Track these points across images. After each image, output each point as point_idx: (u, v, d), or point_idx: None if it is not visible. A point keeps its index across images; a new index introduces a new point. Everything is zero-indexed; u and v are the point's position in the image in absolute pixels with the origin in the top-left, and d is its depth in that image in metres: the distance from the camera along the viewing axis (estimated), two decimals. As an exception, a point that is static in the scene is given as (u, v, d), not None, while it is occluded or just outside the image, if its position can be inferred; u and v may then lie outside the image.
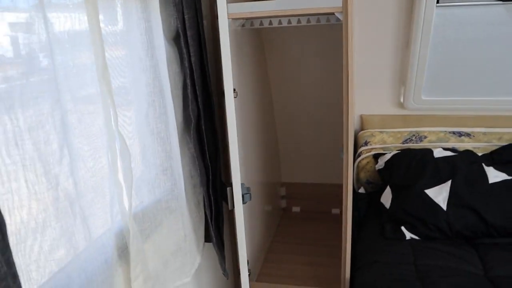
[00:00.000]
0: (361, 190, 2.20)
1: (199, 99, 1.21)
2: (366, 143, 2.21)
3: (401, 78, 2.13)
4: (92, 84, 0.82)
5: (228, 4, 1.39)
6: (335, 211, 2.97)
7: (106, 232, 0.90)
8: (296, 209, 3.00)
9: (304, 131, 2.85)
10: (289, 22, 1.81)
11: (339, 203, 2.97)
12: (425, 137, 2.17)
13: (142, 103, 1.02)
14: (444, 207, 1.76)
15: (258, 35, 2.44)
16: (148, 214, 1.06)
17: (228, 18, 1.47)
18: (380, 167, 2.07)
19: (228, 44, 1.15)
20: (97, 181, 0.86)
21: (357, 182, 2.23)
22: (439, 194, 1.79)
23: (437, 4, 1.80)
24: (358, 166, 2.18)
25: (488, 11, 1.82)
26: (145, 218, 1.05)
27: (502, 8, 1.80)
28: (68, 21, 0.76)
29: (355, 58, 2.10)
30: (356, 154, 2.22)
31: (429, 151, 1.97)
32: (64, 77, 0.75)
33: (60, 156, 0.73)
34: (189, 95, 1.17)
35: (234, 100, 1.51)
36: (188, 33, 1.16)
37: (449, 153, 1.95)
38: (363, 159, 2.16)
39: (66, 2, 0.75)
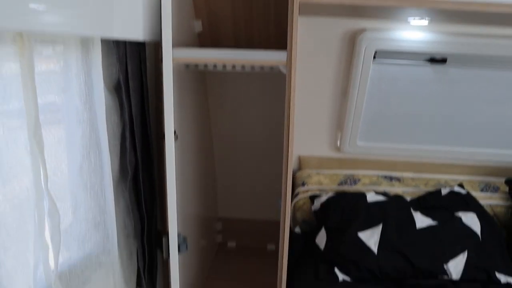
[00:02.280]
0: (297, 230, 2.20)
1: (138, 150, 1.16)
2: (303, 184, 2.23)
3: (339, 123, 2.19)
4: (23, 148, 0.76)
5: (174, 48, 1.37)
6: (270, 246, 2.96)
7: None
8: (231, 244, 2.96)
9: (243, 167, 2.84)
10: (234, 67, 1.81)
11: (274, 239, 2.96)
12: (359, 180, 2.23)
13: (77, 157, 0.96)
14: (375, 250, 1.80)
15: (201, 75, 2.42)
16: (76, 270, 0.98)
17: (173, 62, 1.45)
18: (316, 209, 2.09)
19: (171, 90, 1.12)
20: (21, 248, 0.78)
21: (293, 221, 2.24)
22: (371, 238, 1.83)
23: (373, 60, 1.88)
24: (295, 206, 2.19)
25: (418, 70, 1.92)
26: (72, 276, 0.97)
27: (429, 68, 1.92)
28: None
29: (296, 101, 2.14)
30: (293, 194, 2.23)
31: (363, 196, 2.02)
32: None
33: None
34: (127, 147, 1.12)
35: (175, 143, 1.48)
36: (130, 84, 1.12)
37: (381, 198, 2.01)
38: (299, 199, 2.18)
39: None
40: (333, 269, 1.83)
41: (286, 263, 1.72)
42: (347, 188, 2.19)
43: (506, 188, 2.21)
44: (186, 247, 1.27)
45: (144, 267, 1.25)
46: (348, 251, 1.83)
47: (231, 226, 2.93)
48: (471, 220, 1.93)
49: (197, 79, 2.29)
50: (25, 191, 0.78)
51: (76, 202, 0.96)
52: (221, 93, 2.62)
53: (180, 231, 1.29)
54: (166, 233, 1.23)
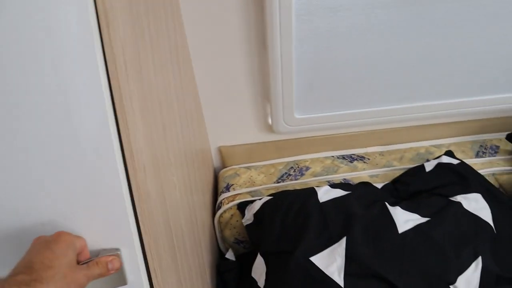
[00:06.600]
0: (229, 255, 1.48)
1: None
2: (227, 188, 1.51)
3: (264, 92, 1.46)
4: None
5: None
6: None
7: None
8: None
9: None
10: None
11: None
12: (307, 168, 1.53)
13: None
14: (341, 281, 1.10)
15: None
16: None
17: None
18: (248, 222, 1.38)
19: None
20: None
21: (223, 242, 1.52)
22: (331, 262, 1.13)
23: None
24: (219, 221, 1.47)
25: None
26: None
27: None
28: None
29: (193, 72, 1.40)
30: (216, 205, 1.52)
31: (312, 192, 1.31)
32: None
33: None
34: None
35: None
36: None
37: (339, 192, 1.31)
38: (224, 211, 1.46)
39: None
40: (281, 321, 1.13)
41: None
42: (291, 184, 1.48)
43: (510, 146, 1.58)
44: None
45: None
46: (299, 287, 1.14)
47: None
48: (475, 204, 1.26)
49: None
50: None
51: None
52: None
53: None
54: None
